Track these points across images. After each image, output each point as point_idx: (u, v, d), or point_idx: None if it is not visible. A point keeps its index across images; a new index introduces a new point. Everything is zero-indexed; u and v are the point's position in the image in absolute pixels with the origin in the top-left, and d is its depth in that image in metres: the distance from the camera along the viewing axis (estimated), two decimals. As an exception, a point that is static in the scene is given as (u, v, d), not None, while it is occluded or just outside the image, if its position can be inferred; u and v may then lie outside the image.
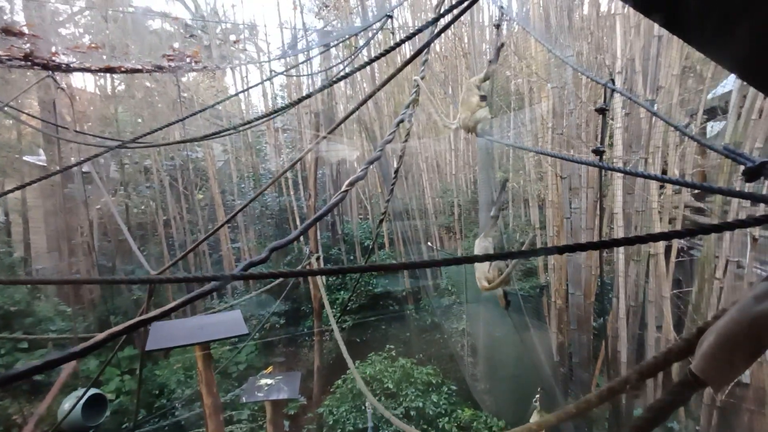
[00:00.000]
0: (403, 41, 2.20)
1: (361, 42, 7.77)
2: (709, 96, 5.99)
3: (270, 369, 7.57)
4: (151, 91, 10.84)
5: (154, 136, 6.78)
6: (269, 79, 8.73)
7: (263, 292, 8.40)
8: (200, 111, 6.23)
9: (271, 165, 11.10)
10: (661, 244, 4.69)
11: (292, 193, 10.42)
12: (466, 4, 1.98)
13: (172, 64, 5.26)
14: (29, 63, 4.41)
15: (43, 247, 9.75)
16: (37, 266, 9.58)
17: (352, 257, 10.16)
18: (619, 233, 4.73)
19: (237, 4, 21.00)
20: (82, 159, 5.26)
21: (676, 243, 5.16)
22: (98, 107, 10.39)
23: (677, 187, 5.13)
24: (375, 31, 6.54)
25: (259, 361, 8.62)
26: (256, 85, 11.08)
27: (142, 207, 10.73)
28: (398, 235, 9.52)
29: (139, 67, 5.56)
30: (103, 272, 9.30)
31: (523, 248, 6.53)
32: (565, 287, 5.59)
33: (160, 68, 5.48)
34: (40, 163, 9.81)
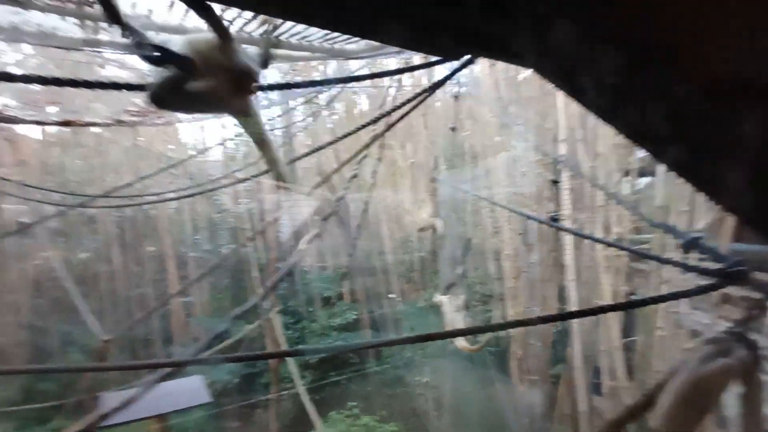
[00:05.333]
0: (364, 126, 2.39)
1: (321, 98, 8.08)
2: (641, 155, 6.72)
3: (224, 436, 7.03)
4: (101, 138, 10.42)
5: (105, 187, 6.50)
6: (231, 139, 8.78)
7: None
8: (166, 169, 6.07)
9: (229, 215, 10.85)
10: (608, 293, 5.04)
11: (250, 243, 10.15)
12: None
13: (135, 119, 5.16)
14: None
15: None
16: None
17: (311, 309, 9.92)
18: (572, 286, 5.05)
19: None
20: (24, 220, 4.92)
21: (621, 291, 5.56)
22: (41, 154, 9.81)
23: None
24: (339, 91, 6.86)
25: (210, 427, 7.98)
26: (214, 146, 10.90)
27: (83, 258, 9.99)
28: (359, 284, 9.48)
29: (97, 120, 5.39)
30: (35, 334, 8.42)
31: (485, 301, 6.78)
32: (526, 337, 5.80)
33: (120, 122, 5.34)
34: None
